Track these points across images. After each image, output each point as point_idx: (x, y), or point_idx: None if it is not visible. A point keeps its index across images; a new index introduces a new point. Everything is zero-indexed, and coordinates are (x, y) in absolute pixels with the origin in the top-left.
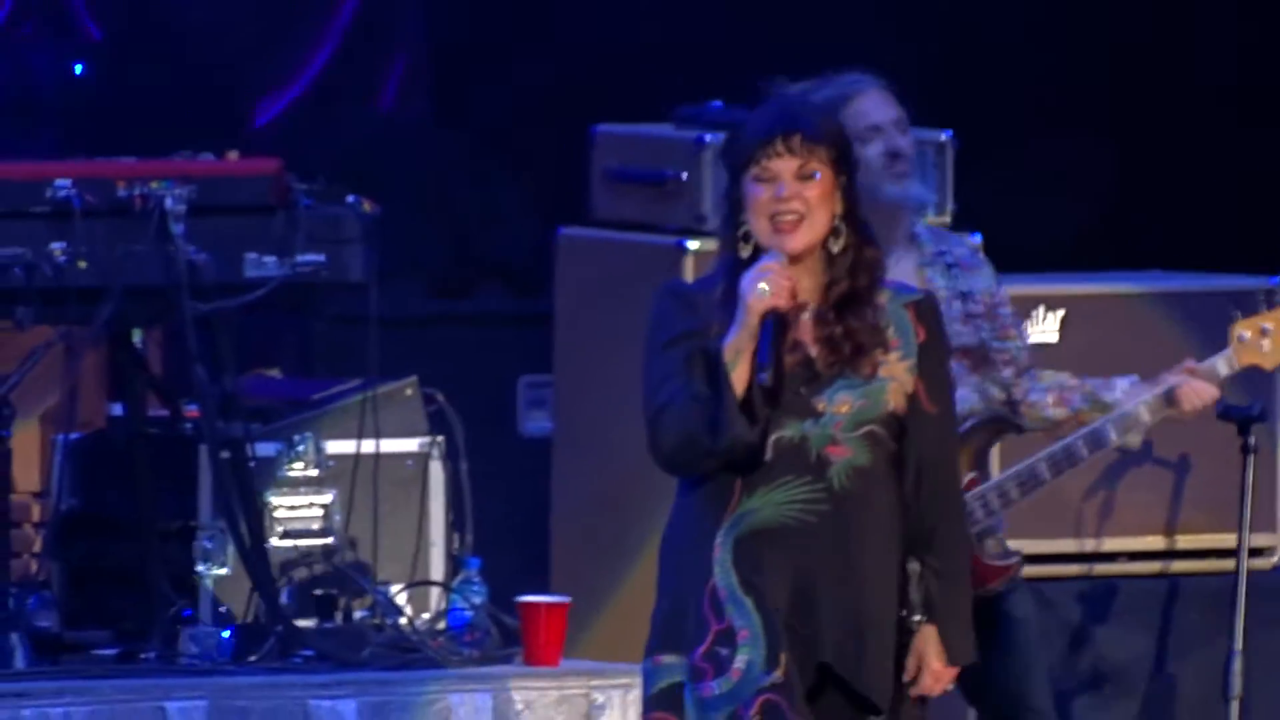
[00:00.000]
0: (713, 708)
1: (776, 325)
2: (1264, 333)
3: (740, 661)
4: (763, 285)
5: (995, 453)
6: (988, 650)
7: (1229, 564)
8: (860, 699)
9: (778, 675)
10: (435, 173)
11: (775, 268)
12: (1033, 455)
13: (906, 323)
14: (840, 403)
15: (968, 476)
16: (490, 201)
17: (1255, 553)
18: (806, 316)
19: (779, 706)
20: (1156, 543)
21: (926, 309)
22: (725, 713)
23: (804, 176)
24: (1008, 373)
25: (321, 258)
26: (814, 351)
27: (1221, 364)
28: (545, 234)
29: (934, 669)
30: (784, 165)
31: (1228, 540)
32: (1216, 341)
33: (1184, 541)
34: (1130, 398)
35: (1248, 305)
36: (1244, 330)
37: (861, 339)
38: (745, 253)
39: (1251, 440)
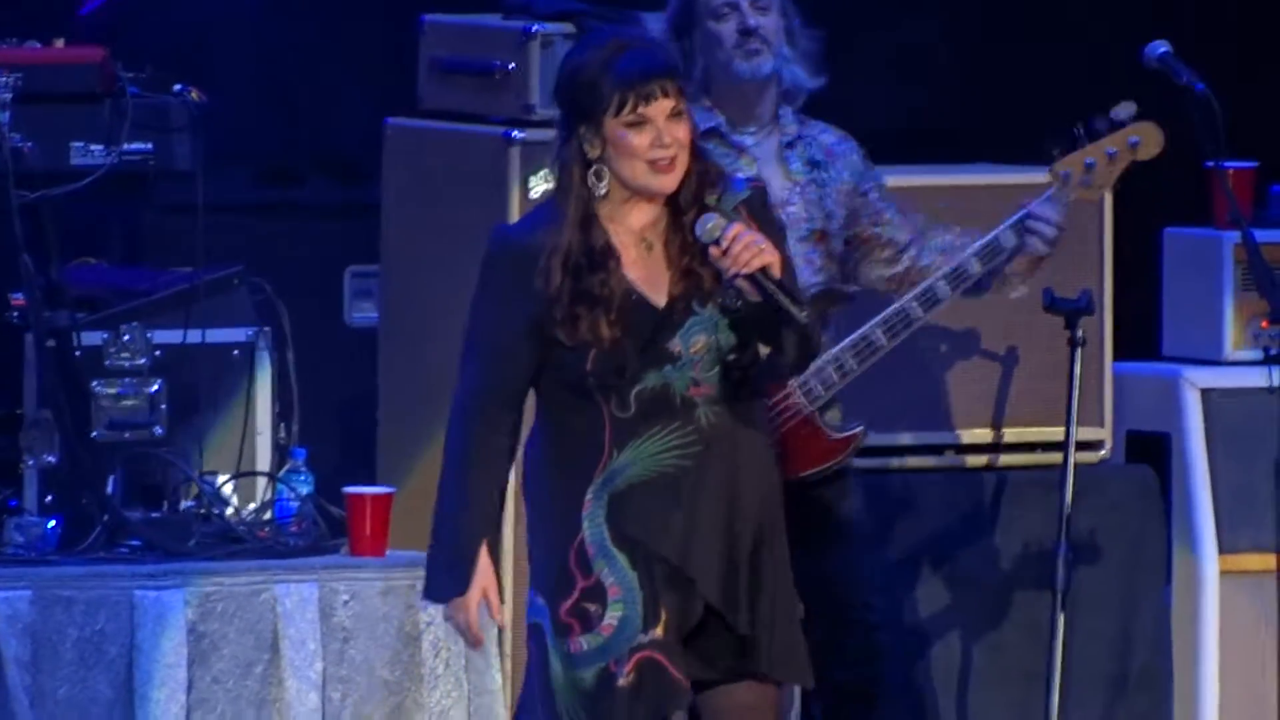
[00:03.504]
0: (580, 664)
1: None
2: (1088, 167)
3: (612, 618)
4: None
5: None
6: (813, 543)
7: (1056, 457)
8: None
9: (657, 632)
10: (265, 60)
11: (739, 226)
12: (867, 322)
13: (740, 220)
14: (695, 343)
15: None
16: (320, 89)
17: (1083, 446)
18: (648, 251)
19: (659, 663)
20: (984, 435)
21: (757, 201)
22: (595, 668)
23: (675, 115)
24: (887, 253)
25: (149, 146)
26: (654, 291)
27: (1049, 206)
28: (376, 123)
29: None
30: (659, 109)
31: (1055, 434)
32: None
33: (1011, 435)
34: (961, 251)
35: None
36: (1066, 168)
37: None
38: (601, 190)
39: (1079, 333)
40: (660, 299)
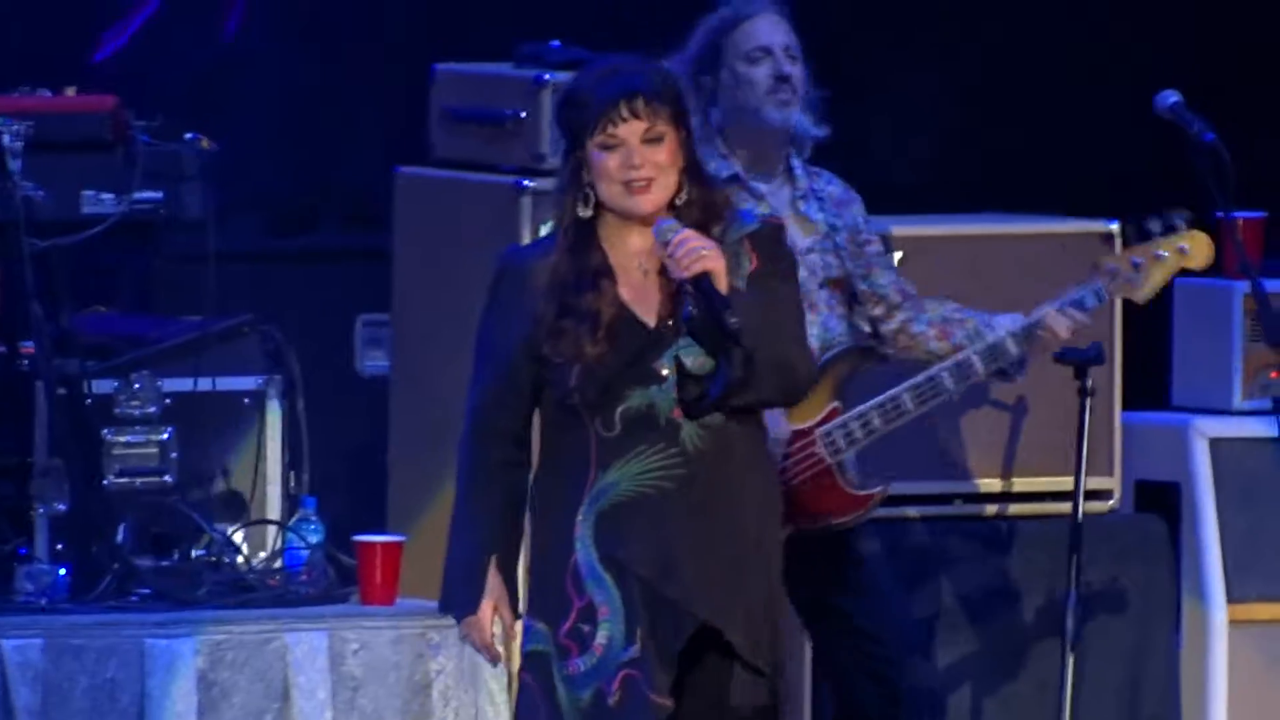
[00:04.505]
0: (579, 685)
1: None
2: (1135, 266)
3: (602, 637)
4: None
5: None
6: (840, 593)
7: (1065, 507)
8: (739, 656)
9: (635, 650)
10: (275, 107)
11: (690, 232)
12: (899, 384)
13: (742, 254)
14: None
15: (829, 406)
16: (331, 137)
17: (1092, 495)
18: (645, 273)
19: (636, 681)
20: (994, 485)
21: (764, 236)
22: (591, 689)
23: (651, 139)
24: (878, 310)
25: (159, 195)
26: (645, 311)
27: (1090, 297)
28: (386, 172)
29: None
30: (630, 130)
31: (1065, 483)
32: (1053, 283)
33: (1021, 484)
34: (999, 329)
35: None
36: (1113, 263)
37: None
38: (585, 213)
39: (1089, 383)
40: (650, 319)
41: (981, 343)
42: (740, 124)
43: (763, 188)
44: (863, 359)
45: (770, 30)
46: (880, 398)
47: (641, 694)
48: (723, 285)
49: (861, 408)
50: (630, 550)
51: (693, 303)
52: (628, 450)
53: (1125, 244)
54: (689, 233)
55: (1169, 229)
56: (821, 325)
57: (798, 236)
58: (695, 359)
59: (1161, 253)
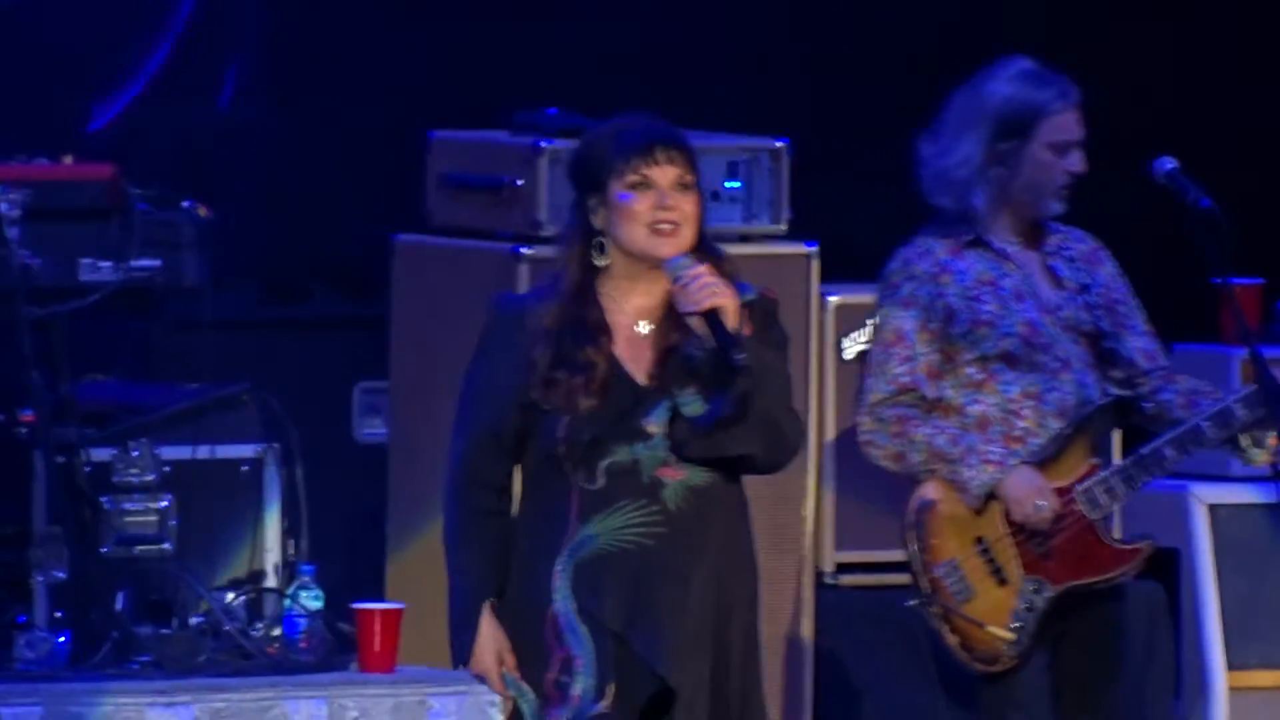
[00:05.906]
0: None
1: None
2: None
3: (578, 689)
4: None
5: None
6: (1094, 662)
7: None
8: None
9: (604, 705)
10: (272, 175)
11: (705, 267)
12: (1157, 437)
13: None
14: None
15: (1088, 463)
16: (327, 205)
17: None
18: (640, 332)
19: None
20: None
21: (759, 308)
22: None
23: (682, 186)
24: (1125, 373)
25: (157, 262)
26: (637, 369)
27: None
28: (382, 238)
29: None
30: (663, 174)
31: None
32: None
33: None
34: (1211, 394)
35: None
36: None
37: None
38: (601, 262)
39: None
40: (641, 378)
41: (1235, 396)
42: (1014, 197)
43: (1010, 249)
44: (1119, 416)
45: (1078, 126)
46: (1140, 451)
47: None
48: (732, 322)
49: (1121, 462)
50: (605, 604)
51: (699, 338)
52: (609, 504)
53: None
54: (704, 268)
55: None
56: (1076, 383)
57: (1048, 295)
58: (692, 409)
59: None
